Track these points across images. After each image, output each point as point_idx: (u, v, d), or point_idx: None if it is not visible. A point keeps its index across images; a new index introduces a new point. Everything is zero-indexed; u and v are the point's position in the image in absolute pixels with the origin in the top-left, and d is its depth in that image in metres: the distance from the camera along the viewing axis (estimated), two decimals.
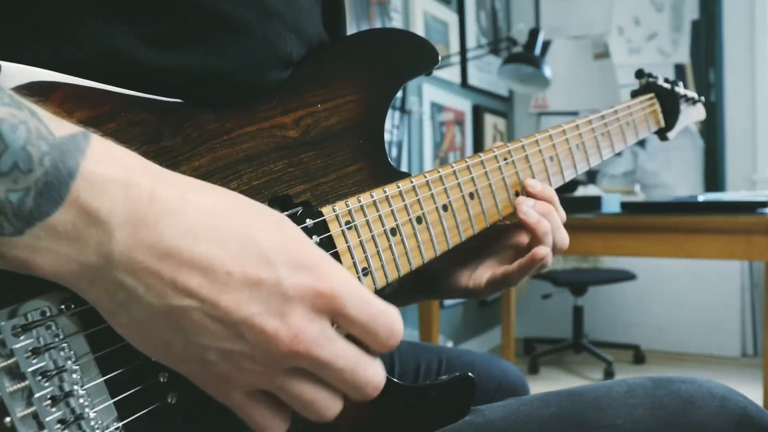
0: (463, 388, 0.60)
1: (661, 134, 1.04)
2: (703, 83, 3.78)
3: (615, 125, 0.86)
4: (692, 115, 1.12)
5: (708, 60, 3.78)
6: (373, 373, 0.42)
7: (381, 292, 0.58)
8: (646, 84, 1.03)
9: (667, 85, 1.03)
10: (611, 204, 2.06)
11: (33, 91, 0.40)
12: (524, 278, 0.70)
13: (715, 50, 3.75)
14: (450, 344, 3.28)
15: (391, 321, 0.42)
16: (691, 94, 1.10)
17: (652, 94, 1.00)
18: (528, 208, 0.67)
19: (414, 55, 0.63)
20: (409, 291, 0.79)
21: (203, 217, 0.38)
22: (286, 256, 0.39)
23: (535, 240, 0.67)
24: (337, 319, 0.40)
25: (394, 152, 2.97)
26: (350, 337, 0.42)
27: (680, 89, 1.05)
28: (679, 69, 3.87)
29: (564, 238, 0.70)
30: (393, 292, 0.80)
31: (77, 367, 0.40)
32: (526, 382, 0.97)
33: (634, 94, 1.01)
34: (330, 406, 0.42)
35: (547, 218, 0.68)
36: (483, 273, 0.72)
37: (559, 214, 0.70)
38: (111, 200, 0.35)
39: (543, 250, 0.66)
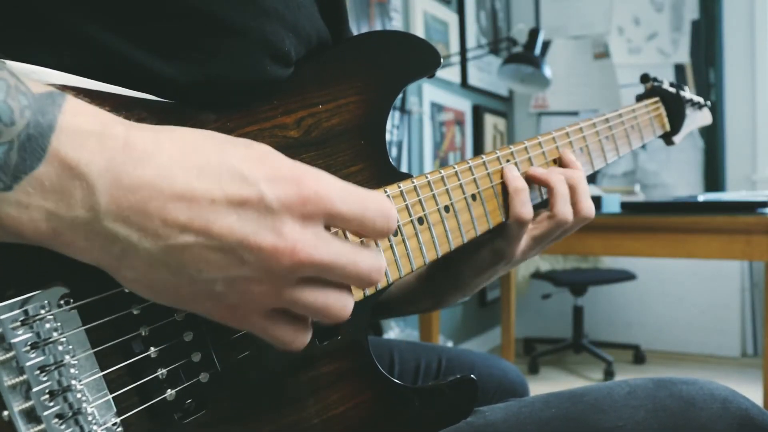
0: (465, 390, 0.60)
1: (667, 138, 1.04)
2: (703, 83, 3.78)
3: (619, 129, 0.86)
4: (698, 119, 1.11)
5: (708, 60, 3.78)
6: (373, 260, 0.43)
7: (382, 292, 0.58)
8: (651, 88, 1.03)
9: (673, 90, 1.03)
10: (611, 204, 2.06)
11: None
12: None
13: (715, 50, 3.75)
14: (450, 344, 3.28)
15: (382, 206, 0.43)
16: (697, 98, 1.09)
17: (657, 98, 1.00)
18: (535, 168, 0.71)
19: (416, 58, 0.63)
20: (419, 285, 0.79)
21: (177, 152, 0.38)
22: (262, 171, 0.39)
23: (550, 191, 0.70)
24: (331, 220, 0.41)
25: (394, 152, 2.96)
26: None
27: (686, 93, 1.05)
28: (679, 69, 3.87)
29: (588, 207, 0.74)
30: (403, 302, 0.80)
31: (76, 361, 0.40)
32: (526, 381, 0.97)
33: (639, 98, 1.01)
34: (344, 304, 0.43)
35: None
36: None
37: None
38: (89, 152, 0.35)
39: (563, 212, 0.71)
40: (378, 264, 0.43)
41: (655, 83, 1.03)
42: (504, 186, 0.68)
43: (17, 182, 0.34)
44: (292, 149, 0.54)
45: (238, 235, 0.37)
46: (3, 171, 0.34)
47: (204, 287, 0.39)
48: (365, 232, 0.43)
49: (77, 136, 0.35)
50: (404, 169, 3.03)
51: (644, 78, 1.05)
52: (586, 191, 0.73)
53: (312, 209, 0.39)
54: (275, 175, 0.39)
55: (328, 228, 0.41)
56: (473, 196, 0.65)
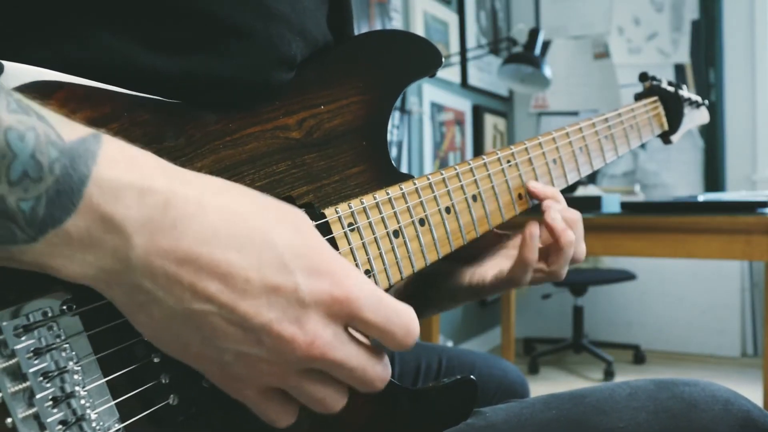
0: (466, 391, 0.60)
1: (665, 137, 1.04)
2: (703, 83, 3.78)
3: (618, 128, 0.86)
4: (696, 118, 1.11)
5: (708, 60, 3.78)
6: (381, 370, 0.43)
7: None
8: (649, 87, 1.03)
9: (671, 89, 1.03)
10: (611, 204, 2.06)
11: (36, 90, 0.40)
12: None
13: (715, 50, 3.75)
14: (450, 344, 3.28)
15: (406, 321, 0.43)
16: (695, 97, 1.09)
17: (655, 98, 1.00)
18: (556, 213, 0.69)
19: (418, 58, 0.63)
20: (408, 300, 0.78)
21: (221, 221, 0.38)
22: (303, 261, 0.39)
23: (555, 248, 0.68)
24: (354, 323, 0.41)
25: (394, 152, 2.96)
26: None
27: (684, 92, 1.05)
28: (679, 69, 3.87)
29: (582, 251, 0.72)
30: None
31: (79, 368, 0.40)
32: (526, 381, 0.97)
33: (638, 97, 1.01)
34: (338, 400, 0.44)
35: (573, 228, 0.69)
36: (489, 269, 0.72)
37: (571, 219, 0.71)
38: (125, 206, 0.35)
39: (560, 268, 0.69)
40: (384, 376, 0.44)
41: (654, 82, 1.03)
42: (507, 185, 0.69)
43: (43, 235, 0.34)
44: (293, 150, 0.54)
45: (263, 319, 0.38)
46: (30, 225, 0.33)
47: (213, 353, 0.39)
48: (384, 341, 0.43)
49: (114, 188, 0.35)
50: (404, 169, 3.03)
51: (643, 77, 1.04)
52: (581, 237, 0.72)
53: (339, 310, 0.40)
54: (314, 269, 0.39)
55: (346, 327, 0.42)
56: (474, 197, 0.65)
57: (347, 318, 0.41)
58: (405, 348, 0.44)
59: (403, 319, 0.43)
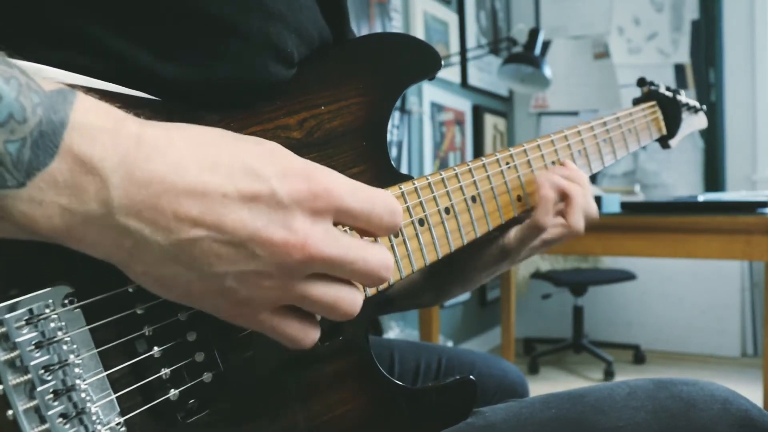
0: (465, 390, 0.60)
1: (663, 142, 1.04)
2: (703, 83, 3.78)
3: (617, 132, 0.87)
4: (694, 123, 1.12)
5: (708, 60, 3.78)
6: (381, 256, 0.43)
7: (383, 293, 0.58)
8: (648, 92, 1.03)
9: (669, 94, 1.03)
10: (611, 204, 2.06)
11: None
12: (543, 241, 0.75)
13: (715, 50, 3.76)
14: (450, 344, 3.28)
15: (389, 202, 0.44)
16: (693, 102, 1.10)
17: (653, 102, 1.00)
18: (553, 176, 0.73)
19: (417, 61, 0.63)
20: (431, 279, 0.81)
21: (190, 148, 0.38)
22: (273, 167, 0.40)
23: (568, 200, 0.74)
24: (339, 216, 0.42)
25: (394, 152, 2.97)
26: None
27: (682, 98, 1.06)
28: (679, 69, 3.87)
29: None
30: (416, 292, 0.82)
31: (80, 361, 0.40)
32: (525, 381, 0.97)
33: (636, 102, 1.02)
34: (353, 299, 0.43)
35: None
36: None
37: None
38: (101, 147, 0.36)
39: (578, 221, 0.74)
40: (386, 260, 0.44)
41: (652, 87, 1.04)
42: (506, 187, 0.69)
43: (30, 179, 0.34)
44: (294, 150, 0.53)
45: (250, 229, 0.38)
46: (16, 168, 0.34)
47: (214, 282, 0.39)
48: (372, 229, 0.43)
49: (90, 132, 0.36)
50: (404, 169, 3.03)
51: (641, 82, 1.05)
52: (590, 194, 0.77)
53: (322, 205, 0.40)
54: (286, 170, 0.40)
55: (336, 225, 0.42)
56: (473, 198, 0.66)
57: (332, 212, 0.41)
58: (394, 229, 0.44)
59: (385, 200, 0.43)
